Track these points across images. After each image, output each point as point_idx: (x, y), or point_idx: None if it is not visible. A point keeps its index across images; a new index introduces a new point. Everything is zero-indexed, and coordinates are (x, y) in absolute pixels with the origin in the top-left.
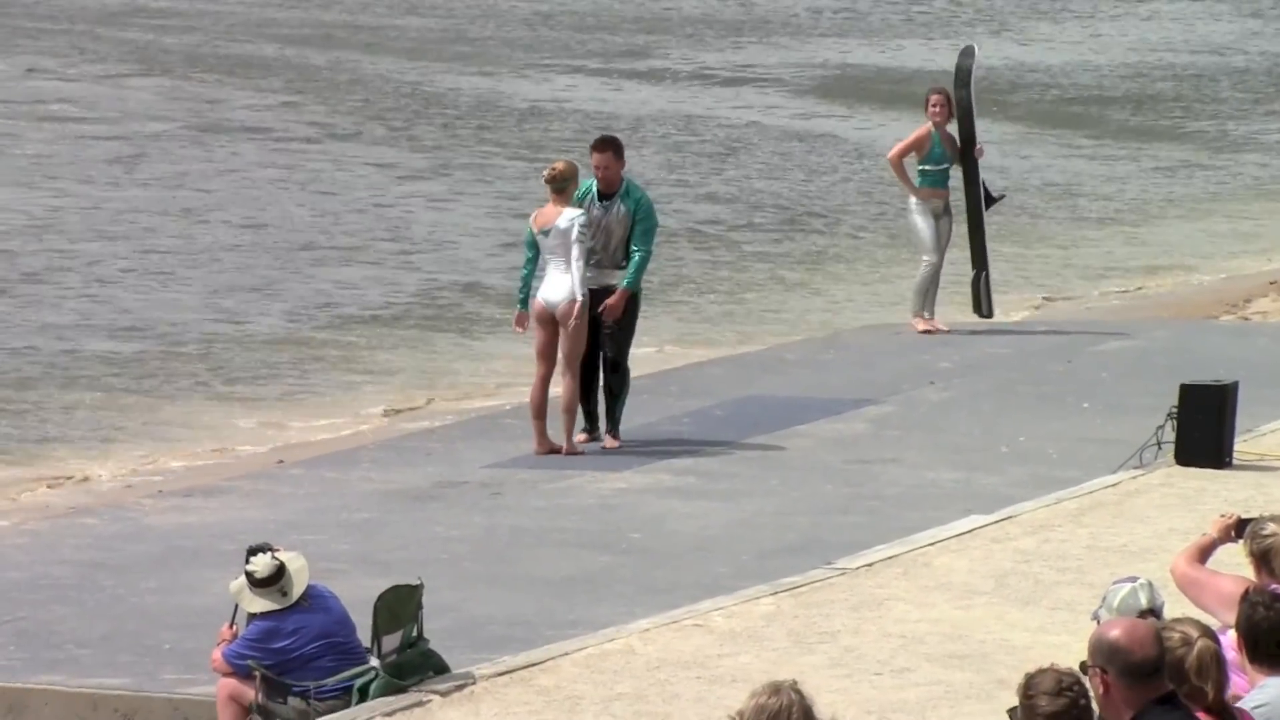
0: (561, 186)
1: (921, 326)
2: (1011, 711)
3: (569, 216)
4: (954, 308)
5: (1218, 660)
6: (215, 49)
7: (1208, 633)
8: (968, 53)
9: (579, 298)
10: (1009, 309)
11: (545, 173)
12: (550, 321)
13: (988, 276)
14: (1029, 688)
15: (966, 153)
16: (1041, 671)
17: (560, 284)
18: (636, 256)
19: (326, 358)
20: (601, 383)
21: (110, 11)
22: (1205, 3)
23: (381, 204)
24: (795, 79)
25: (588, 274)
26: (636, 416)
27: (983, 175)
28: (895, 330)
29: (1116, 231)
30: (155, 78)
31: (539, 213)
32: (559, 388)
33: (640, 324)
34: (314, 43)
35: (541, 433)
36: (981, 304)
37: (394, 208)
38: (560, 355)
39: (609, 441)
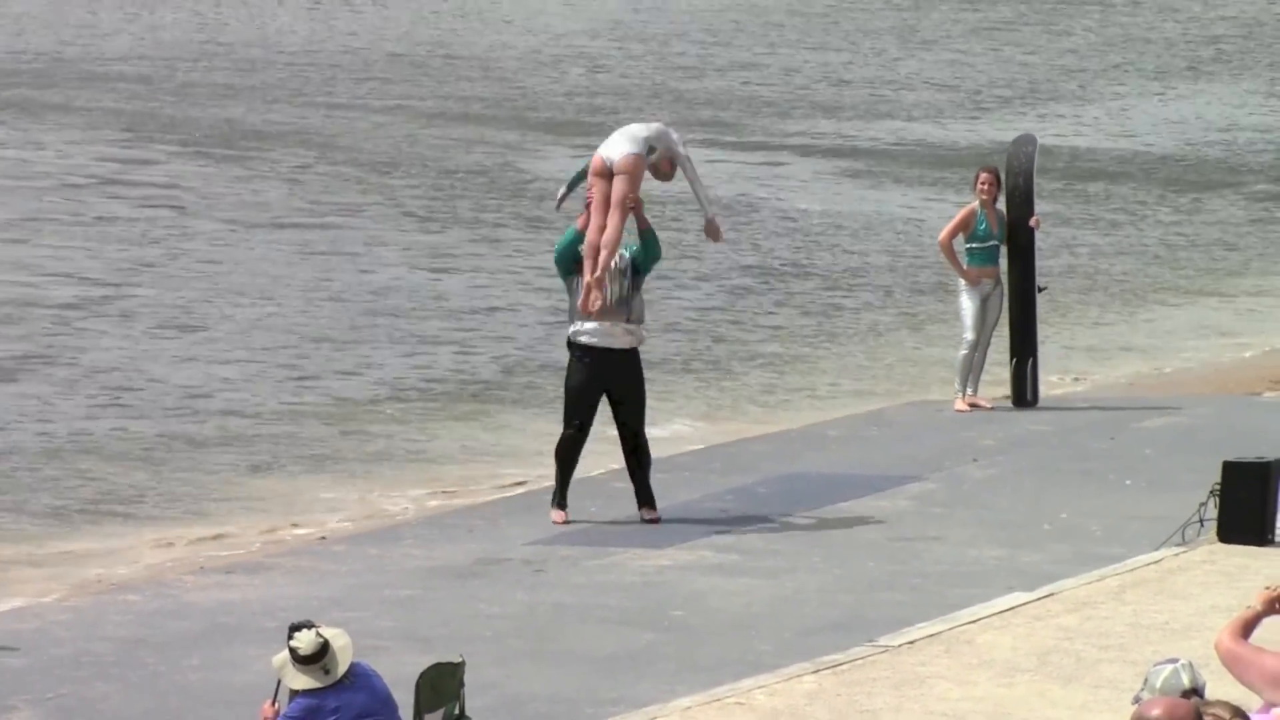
0: None
1: (962, 405)
2: None
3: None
4: (1003, 386)
5: None
6: (252, 121)
7: (1239, 714)
8: (1026, 140)
9: (710, 215)
10: (1049, 386)
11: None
12: (607, 175)
13: (1035, 364)
14: None
15: (1014, 235)
16: None
17: (620, 144)
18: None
19: (376, 434)
20: (624, 461)
21: (141, 74)
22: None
23: (419, 278)
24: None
25: (592, 335)
26: (679, 493)
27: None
28: (938, 408)
29: (1151, 306)
30: (188, 151)
31: None
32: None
33: (676, 400)
34: (353, 110)
35: (593, 269)
36: (1026, 392)
37: (432, 282)
38: (612, 199)
39: (647, 513)
